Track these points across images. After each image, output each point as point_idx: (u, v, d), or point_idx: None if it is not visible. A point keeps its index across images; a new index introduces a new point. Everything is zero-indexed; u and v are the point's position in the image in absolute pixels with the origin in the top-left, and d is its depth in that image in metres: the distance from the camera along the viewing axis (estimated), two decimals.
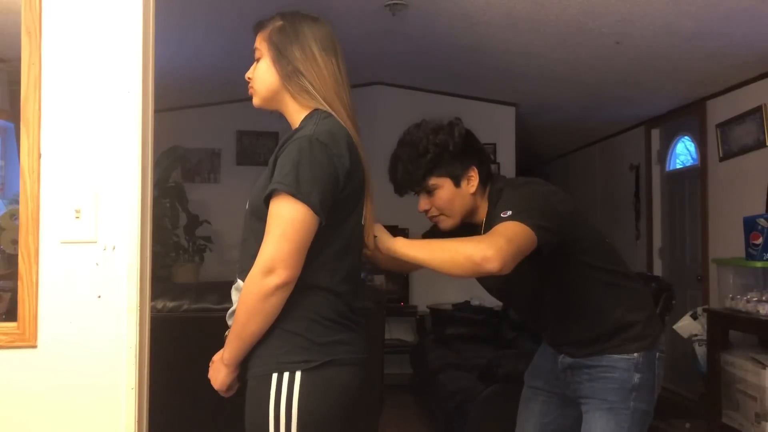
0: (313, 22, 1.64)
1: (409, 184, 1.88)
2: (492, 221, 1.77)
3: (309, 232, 1.47)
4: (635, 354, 1.86)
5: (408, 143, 1.86)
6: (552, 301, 1.93)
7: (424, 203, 1.90)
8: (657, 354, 1.91)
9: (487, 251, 1.57)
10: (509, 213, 1.70)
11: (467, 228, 1.92)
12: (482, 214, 1.92)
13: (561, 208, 1.82)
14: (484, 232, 1.82)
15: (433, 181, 1.85)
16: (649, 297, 2.07)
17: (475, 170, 1.87)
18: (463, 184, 1.87)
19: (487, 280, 1.96)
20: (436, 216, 1.92)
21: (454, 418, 3.60)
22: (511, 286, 1.93)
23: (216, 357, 1.63)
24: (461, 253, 1.61)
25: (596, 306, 1.90)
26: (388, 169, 1.90)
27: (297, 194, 1.44)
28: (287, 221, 1.45)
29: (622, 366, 1.86)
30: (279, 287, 1.45)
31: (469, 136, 1.89)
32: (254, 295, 1.46)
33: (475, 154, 1.89)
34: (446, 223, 1.91)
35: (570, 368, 1.95)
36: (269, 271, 1.44)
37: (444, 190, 1.86)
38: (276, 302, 1.47)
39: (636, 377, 1.86)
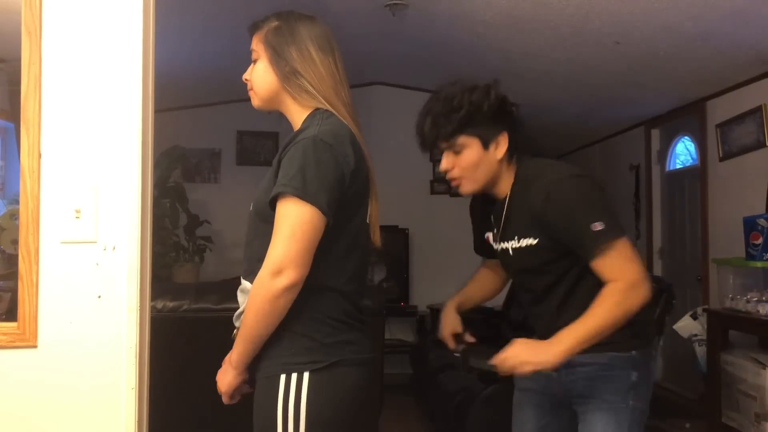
0: (309, 21, 1.64)
1: (437, 138, 1.80)
2: (526, 203, 1.76)
3: (317, 233, 1.46)
4: (633, 351, 1.82)
5: (442, 98, 1.80)
6: (562, 290, 1.87)
7: (447, 162, 1.83)
8: (653, 352, 1.89)
9: (638, 288, 1.67)
10: (601, 225, 1.68)
11: (487, 200, 1.91)
12: (504, 187, 1.86)
13: None
14: (508, 214, 1.83)
15: (461, 140, 1.79)
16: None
17: (506, 136, 1.81)
18: (491, 147, 1.80)
19: (506, 259, 1.93)
20: (456, 178, 1.84)
21: (454, 418, 3.60)
22: (530, 270, 1.90)
23: (226, 359, 1.62)
24: (623, 307, 1.67)
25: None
26: (415, 123, 1.84)
27: (304, 196, 1.43)
28: (295, 222, 1.44)
29: (619, 364, 1.81)
30: (288, 288, 1.44)
31: (504, 101, 1.84)
32: (263, 297, 1.45)
33: (508, 120, 1.84)
34: (467, 187, 1.85)
35: (565, 367, 1.86)
36: (278, 272, 1.43)
37: (471, 150, 1.80)
38: (285, 303, 1.46)
39: (634, 375, 1.82)
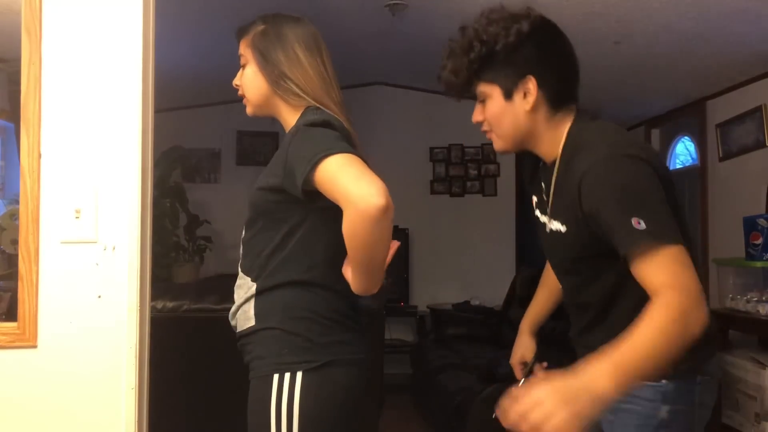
0: (295, 22, 1.63)
1: (453, 87, 1.51)
2: (569, 176, 1.39)
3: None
4: (663, 381, 1.43)
5: (464, 32, 1.47)
6: (593, 307, 1.54)
7: (477, 113, 1.53)
8: (698, 378, 1.50)
9: (699, 304, 1.22)
10: (642, 224, 1.26)
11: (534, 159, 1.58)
12: (549, 148, 1.49)
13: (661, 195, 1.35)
14: (558, 182, 1.47)
15: (481, 87, 1.48)
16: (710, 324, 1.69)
17: (534, 82, 1.43)
18: (517, 97, 1.45)
19: (543, 239, 1.60)
20: (488, 131, 1.54)
21: (454, 418, 3.60)
22: (557, 265, 1.60)
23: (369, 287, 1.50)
24: (681, 326, 1.21)
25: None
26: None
27: (338, 151, 1.39)
28: (349, 164, 1.37)
29: (645, 395, 1.43)
30: (382, 208, 1.31)
31: (537, 34, 1.46)
32: (364, 229, 1.33)
33: (541, 61, 1.45)
34: (496, 144, 1.53)
35: None
36: (365, 202, 1.31)
37: (493, 101, 1.47)
38: (388, 225, 1.35)
39: (663, 410, 1.45)
